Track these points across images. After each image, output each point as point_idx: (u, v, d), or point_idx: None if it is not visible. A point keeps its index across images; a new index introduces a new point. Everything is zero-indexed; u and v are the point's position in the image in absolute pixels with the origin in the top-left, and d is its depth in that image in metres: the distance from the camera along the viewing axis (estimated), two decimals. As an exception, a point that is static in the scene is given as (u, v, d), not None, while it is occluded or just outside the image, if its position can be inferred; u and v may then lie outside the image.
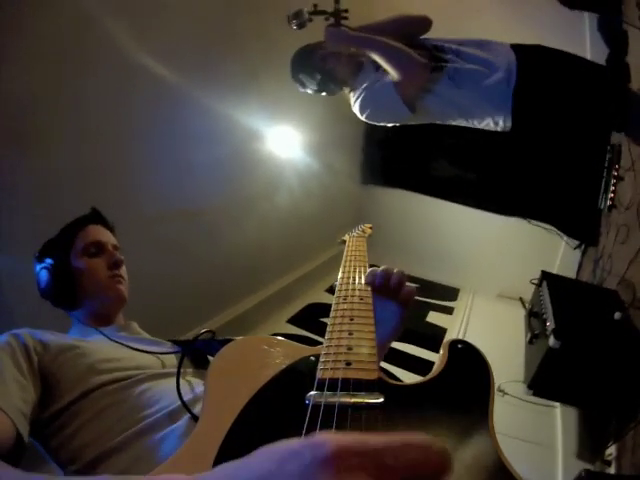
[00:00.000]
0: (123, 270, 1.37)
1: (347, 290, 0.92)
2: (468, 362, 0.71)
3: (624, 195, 2.56)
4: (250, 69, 3.27)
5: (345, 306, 0.85)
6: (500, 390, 3.03)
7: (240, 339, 0.85)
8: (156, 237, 2.78)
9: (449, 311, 4.72)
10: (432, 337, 4.14)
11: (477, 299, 4.91)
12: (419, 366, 3.63)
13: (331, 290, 0.96)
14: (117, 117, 2.50)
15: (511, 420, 2.80)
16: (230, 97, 3.13)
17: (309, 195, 4.28)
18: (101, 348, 1.10)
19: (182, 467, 0.56)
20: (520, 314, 3.29)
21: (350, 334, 0.73)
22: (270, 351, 0.78)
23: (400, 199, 5.16)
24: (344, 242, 1.30)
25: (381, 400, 0.57)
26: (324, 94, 2.14)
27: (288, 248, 4.31)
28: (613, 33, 1.93)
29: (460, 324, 4.39)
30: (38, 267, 1.34)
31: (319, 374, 0.63)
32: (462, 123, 2.01)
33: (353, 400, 0.57)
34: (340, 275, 1.00)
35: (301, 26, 1.93)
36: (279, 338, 0.84)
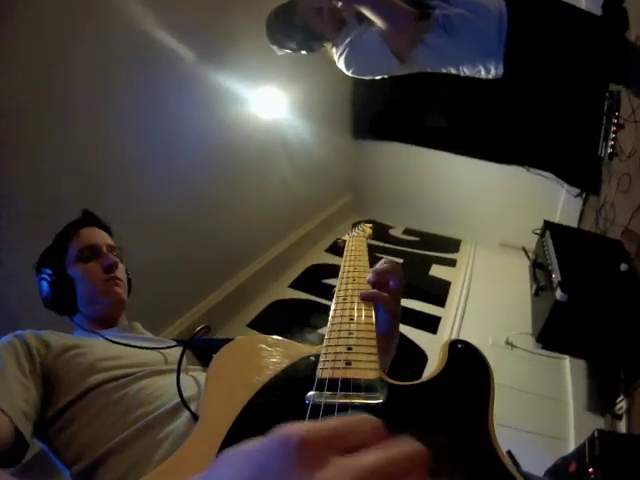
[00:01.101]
0: (120, 271, 1.36)
1: (347, 290, 0.90)
2: (468, 362, 0.70)
3: (625, 143, 2.49)
4: (230, 30, 3.16)
5: (345, 306, 0.84)
6: (508, 343, 3.04)
7: (240, 339, 0.84)
8: (147, 215, 2.76)
9: (452, 263, 4.72)
10: (436, 291, 4.15)
11: (479, 250, 4.91)
12: (425, 322, 3.65)
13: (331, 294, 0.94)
14: (98, 98, 2.44)
15: (521, 373, 2.82)
16: (211, 61, 3.03)
17: (301, 155, 4.21)
18: (102, 347, 1.11)
19: (181, 468, 0.56)
20: (524, 264, 3.28)
21: (350, 334, 0.73)
22: (270, 351, 0.78)
23: (395, 153, 5.07)
24: (344, 242, 1.27)
25: (381, 400, 0.57)
26: (304, 53, 2.05)
27: (284, 211, 4.28)
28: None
29: (464, 276, 4.40)
30: (37, 278, 1.35)
31: (319, 374, 0.63)
32: (452, 71, 1.96)
33: (353, 400, 0.57)
34: (340, 275, 0.99)
35: None
36: (279, 338, 0.83)
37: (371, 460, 0.32)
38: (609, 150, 2.20)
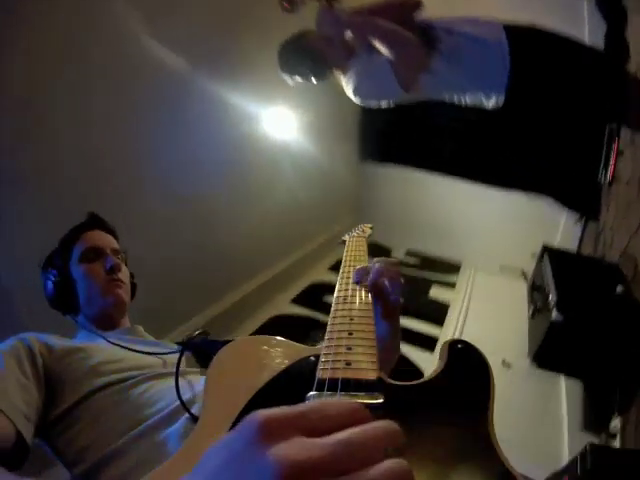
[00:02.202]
0: (123, 273, 1.38)
1: (347, 290, 0.90)
2: (468, 362, 0.70)
3: (624, 169, 2.54)
4: (244, 51, 3.23)
5: (345, 306, 0.83)
6: (505, 363, 3.06)
7: (240, 339, 0.85)
8: (152, 226, 2.79)
9: (451, 286, 4.76)
10: (435, 312, 4.18)
11: (479, 273, 4.93)
12: (423, 341, 3.67)
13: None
14: (116, 105, 2.50)
15: (516, 393, 2.83)
16: (225, 80, 3.10)
17: (307, 175, 4.27)
18: (104, 351, 1.12)
19: (181, 469, 0.53)
20: (522, 288, 3.32)
21: (350, 334, 0.72)
22: (270, 351, 0.78)
23: (399, 176, 5.12)
24: (344, 242, 1.26)
25: (381, 400, 0.56)
26: (314, 81, 2.11)
27: (288, 229, 4.30)
28: (612, 8, 1.91)
29: (463, 298, 4.42)
30: (42, 278, 1.38)
31: (319, 374, 0.62)
32: (454, 100, 2.00)
33: (353, 400, 0.55)
34: (340, 276, 0.98)
35: (293, 10, 1.91)
36: (279, 338, 0.83)
37: (334, 439, 0.32)
38: (609, 177, 2.25)
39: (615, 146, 2.18)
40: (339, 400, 0.38)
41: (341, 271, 1.01)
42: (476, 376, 0.67)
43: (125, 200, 2.58)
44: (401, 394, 0.63)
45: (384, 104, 2.05)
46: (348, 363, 0.63)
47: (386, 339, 0.93)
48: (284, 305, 4.11)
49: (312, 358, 0.71)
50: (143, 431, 0.90)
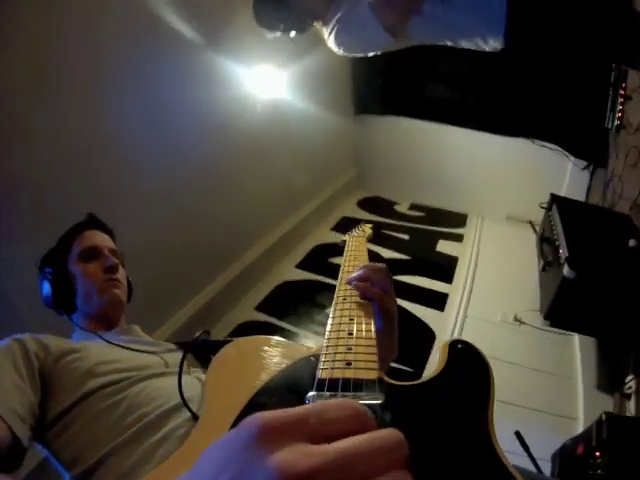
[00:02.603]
0: (120, 274, 1.38)
1: (347, 290, 0.91)
2: (468, 362, 0.71)
3: (633, 115, 2.43)
4: (226, 11, 3.13)
5: (345, 306, 0.85)
6: (517, 319, 3.03)
7: (240, 339, 0.86)
8: (147, 199, 2.75)
9: (459, 238, 4.68)
10: (443, 267, 4.13)
11: (486, 224, 4.86)
12: (432, 299, 3.64)
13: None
14: (91, 81, 2.41)
15: (529, 351, 2.82)
16: (206, 41, 3.00)
17: (302, 133, 4.18)
18: (101, 351, 1.11)
19: (181, 468, 0.57)
20: (531, 238, 3.25)
21: (350, 334, 0.73)
22: (269, 351, 0.79)
23: (398, 127, 5.02)
24: (344, 242, 1.28)
25: (381, 400, 0.56)
26: (294, 33, 1.99)
27: (286, 191, 4.25)
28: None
29: (471, 251, 4.37)
30: (39, 277, 1.38)
31: (319, 374, 0.63)
32: (449, 44, 1.89)
33: (354, 401, 0.55)
34: (340, 275, 1.00)
35: None
36: (278, 338, 0.84)
37: (340, 448, 0.31)
38: (616, 122, 2.15)
39: (622, 90, 2.07)
40: (342, 402, 0.35)
41: (341, 271, 1.03)
42: (476, 376, 0.68)
43: (112, 178, 2.53)
44: (401, 394, 0.64)
45: (371, 54, 1.95)
46: (348, 363, 0.65)
47: (381, 337, 0.90)
48: (289, 270, 4.08)
49: (312, 358, 0.73)
50: (142, 429, 0.90)
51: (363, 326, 0.76)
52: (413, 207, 5.27)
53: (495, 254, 4.32)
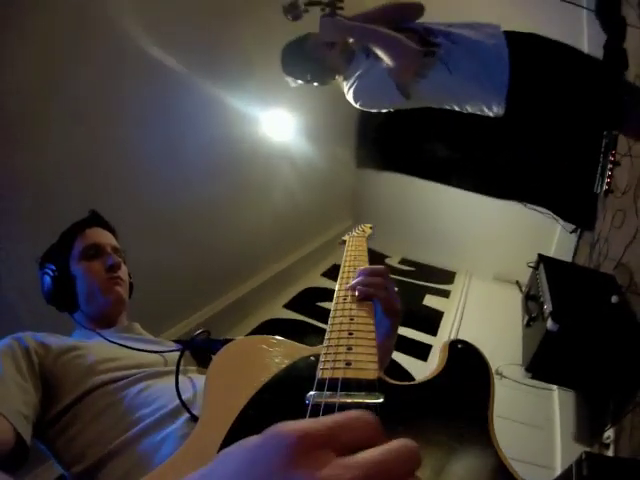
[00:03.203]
0: (122, 272, 1.38)
1: (347, 290, 0.91)
2: (468, 362, 0.71)
3: (620, 179, 2.55)
4: (244, 53, 3.23)
5: (345, 306, 0.84)
6: (498, 373, 3.05)
7: (240, 339, 0.85)
8: (149, 225, 2.78)
9: (445, 294, 4.74)
10: (429, 320, 4.17)
11: (473, 282, 4.94)
12: (416, 349, 3.66)
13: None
14: (110, 105, 2.48)
15: (509, 403, 2.82)
16: (225, 82, 3.10)
17: (303, 179, 4.26)
18: (102, 349, 1.11)
19: (181, 468, 0.56)
20: (517, 297, 3.31)
21: (350, 334, 0.73)
22: (270, 351, 0.78)
23: (396, 183, 5.14)
24: (344, 242, 1.27)
25: (381, 400, 0.57)
26: (316, 85, 2.11)
27: (283, 232, 4.29)
28: (611, 18, 1.91)
29: (457, 307, 4.42)
30: (40, 273, 1.36)
31: (319, 374, 0.63)
32: (455, 107, 1.99)
33: (353, 400, 0.56)
34: (340, 275, 0.99)
35: (296, 17, 1.92)
36: (279, 338, 0.84)
37: (370, 459, 0.32)
38: (605, 187, 2.25)
39: (612, 157, 2.19)
40: (360, 413, 0.36)
41: (341, 271, 1.01)
42: (476, 376, 0.68)
43: (118, 196, 2.56)
44: (401, 394, 0.64)
45: (384, 110, 2.05)
46: (348, 363, 0.64)
47: (381, 339, 0.93)
48: (277, 309, 4.09)
49: (312, 358, 0.72)
50: (142, 430, 0.90)
51: (363, 326, 0.76)
52: (404, 261, 5.36)
53: (480, 311, 4.35)
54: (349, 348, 0.68)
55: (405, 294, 4.62)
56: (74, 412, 0.96)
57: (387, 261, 5.24)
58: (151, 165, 2.76)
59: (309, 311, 4.01)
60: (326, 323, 0.80)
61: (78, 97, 2.30)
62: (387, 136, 4.80)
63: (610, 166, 2.21)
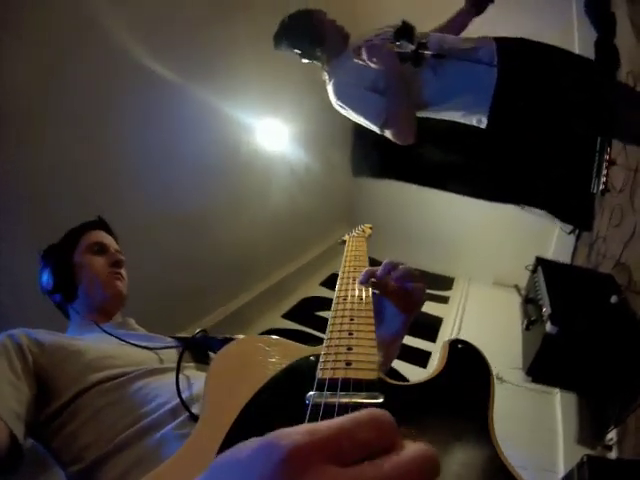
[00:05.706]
0: (124, 271, 1.41)
1: (347, 290, 0.91)
2: (468, 362, 0.71)
3: (617, 178, 2.55)
4: (239, 62, 3.24)
5: (345, 306, 0.84)
6: (498, 377, 3.03)
7: (241, 339, 0.85)
8: (147, 236, 2.75)
9: (444, 300, 4.74)
10: (428, 327, 4.15)
11: (472, 287, 4.94)
12: (416, 356, 3.64)
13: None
14: (106, 111, 2.47)
15: (511, 407, 2.81)
16: (219, 91, 3.11)
17: (300, 189, 4.26)
18: (97, 346, 1.09)
19: (182, 467, 0.56)
20: (516, 301, 3.30)
21: (350, 334, 0.73)
22: (270, 351, 0.78)
23: (392, 190, 5.14)
24: (344, 242, 1.27)
25: (381, 400, 0.56)
26: (302, 58, 2.06)
27: (281, 242, 4.29)
28: (601, 15, 1.91)
29: (456, 313, 4.41)
30: (42, 262, 1.39)
31: (319, 374, 0.62)
32: (445, 117, 1.98)
33: (353, 400, 0.56)
34: (340, 275, 0.99)
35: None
36: (279, 338, 0.83)
37: (372, 473, 0.29)
38: (601, 187, 2.25)
39: (607, 155, 2.18)
40: (371, 416, 0.32)
41: (341, 271, 1.01)
42: (476, 375, 0.68)
43: (117, 212, 2.53)
44: (401, 394, 0.63)
45: (355, 118, 2.02)
46: (348, 363, 0.64)
47: (395, 336, 0.94)
48: (276, 319, 4.08)
49: (312, 358, 0.71)
50: (142, 429, 0.89)
51: (363, 326, 0.75)
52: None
53: (480, 316, 4.35)
54: (349, 348, 0.68)
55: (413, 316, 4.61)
56: (71, 411, 0.95)
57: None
58: (146, 172, 2.76)
59: (308, 321, 4.00)
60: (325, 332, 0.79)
61: (74, 99, 2.30)
62: (382, 144, 4.78)
63: (606, 165, 2.20)
